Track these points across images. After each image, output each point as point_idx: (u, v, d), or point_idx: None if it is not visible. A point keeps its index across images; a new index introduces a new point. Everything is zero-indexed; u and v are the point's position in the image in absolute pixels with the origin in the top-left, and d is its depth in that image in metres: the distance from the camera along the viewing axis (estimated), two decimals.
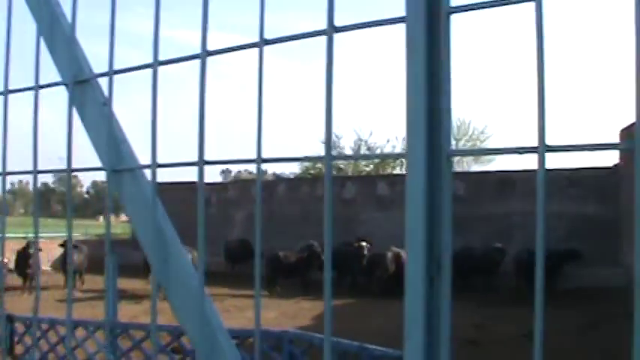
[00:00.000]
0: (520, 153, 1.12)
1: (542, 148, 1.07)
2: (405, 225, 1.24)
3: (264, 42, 1.33)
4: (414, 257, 1.21)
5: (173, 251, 1.67)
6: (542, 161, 1.07)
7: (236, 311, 18.25)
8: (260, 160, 1.36)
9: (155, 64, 1.55)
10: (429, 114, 1.17)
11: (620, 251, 23.02)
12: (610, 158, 34.31)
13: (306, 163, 43.10)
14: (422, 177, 1.19)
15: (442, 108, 1.17)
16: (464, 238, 24.62)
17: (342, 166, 41.72)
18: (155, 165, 1.62)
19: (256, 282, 1.43)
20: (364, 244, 22.07)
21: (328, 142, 1.31)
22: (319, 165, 42.90)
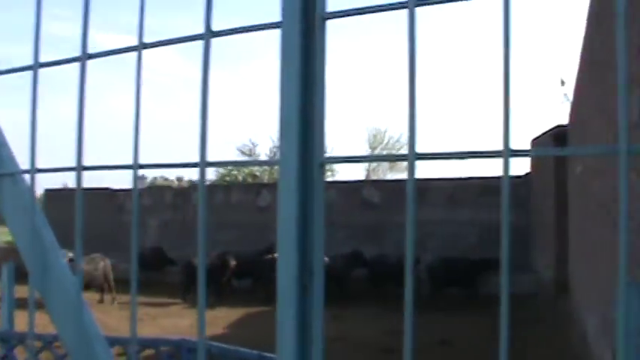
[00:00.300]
0: (484, 157, 1.12)
1: (507, 152, 1.07)
2: (277, 233, 1.23)
3: (142, 46, 1.31)
4: (286, 265, 1.21)
5: (52, 258, 1.62)
6: (507, 166, 1.07)
7: (149, 320, 18.02)
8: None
9: (35, 65, 1.51)
10: (302, 121, 1.16)
11: (531, 258, 23.59)
12: (521, 167, 35.11)
13: (222, 170, 42.97)
14: (294, 185, 1.18)
15: (315, 115, 1.16)
16: (379, 246, 24.88)
17: (257, 173, 41.75)
18: (34, 170, 1.57)
19: (201, 291, 1.39)
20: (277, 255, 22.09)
21: (203, 148, 1.29)
22: (235, 171, 42.85)
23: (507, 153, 1.07)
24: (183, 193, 30.39)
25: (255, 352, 2.74)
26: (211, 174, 47.01)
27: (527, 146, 24.50)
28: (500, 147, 1.05)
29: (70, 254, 20.50)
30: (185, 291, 21.93)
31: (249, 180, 40.49)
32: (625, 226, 0.91)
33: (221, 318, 18.58)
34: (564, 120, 20.15)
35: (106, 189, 32.01)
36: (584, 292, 11.34)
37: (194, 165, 1.30)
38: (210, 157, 1.29)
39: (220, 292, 21.56)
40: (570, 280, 17.32)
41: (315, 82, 1.16)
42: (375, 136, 45.44)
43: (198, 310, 1.32)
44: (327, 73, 1.17)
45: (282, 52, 1.18)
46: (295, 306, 1.18)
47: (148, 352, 4.59)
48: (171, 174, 79.39)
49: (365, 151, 43.79)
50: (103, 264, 21.75)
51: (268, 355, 2.81)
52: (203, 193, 1.30)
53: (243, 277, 23.38)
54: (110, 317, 18.10)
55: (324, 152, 1.18)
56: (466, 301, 20.21)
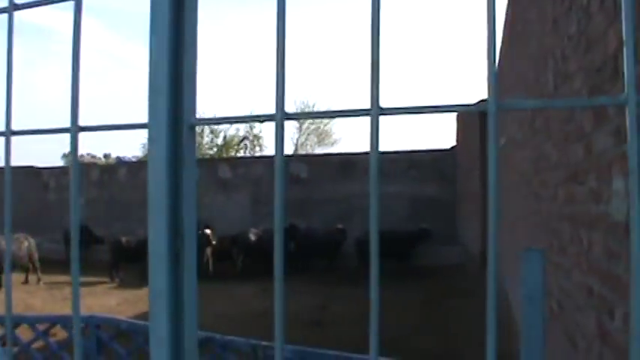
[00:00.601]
0: (352, 116, 1.08)
1: (375, 110, 1.03)
2: (148, 199, 1.18)
3: (13, 7, 1.23)
4: (157, 232, 1.15)
5: None
6: (375, 124, 1.03)
7: None
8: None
9: None
10: (172, 82, 1.11)
11: (457, 230, 23.94)
12: (447, 141, 35.50)
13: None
14: (163, 148, 1.12)
15: (185, 76, 1.11)
16: (306, 219, 24.91)
17: None
18: None
19: (74, 266, 1.32)
20: (208, 231, 21.83)
21: (74, 113, 1.23)
22: None
23: (375, 111, 1.04)
24: (110, 170, 29.85)
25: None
26: (138, 150, 46.39)
27: (453, 121, 24.81)
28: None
29: None
30: (113, 270, 21.61)
31: None
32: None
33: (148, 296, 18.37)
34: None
35: (31, 167, 31.29)
36: (508, 262, 11.54)
37: (66, 130, 1.23)
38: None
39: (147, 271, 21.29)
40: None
41: (185, 42, 1.10)
42: (302, 110, 45.33)
43: (73, 285, 1.26)
44: (198, 32, 1.11)
45: (152, 11, 1.12)
46: (167, 273, 1.13)
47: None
48: (99, 151, 78.04)
49: (294, 126, 43.72)
50: (27, 243, 21.19)
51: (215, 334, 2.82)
52: (76, 162, 1.23)
53: None
54: (35, 298, 17.76)
55: (195, 114, 1.13)
56: (400, 272, 20.37)
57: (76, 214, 1.27)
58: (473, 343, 11.36)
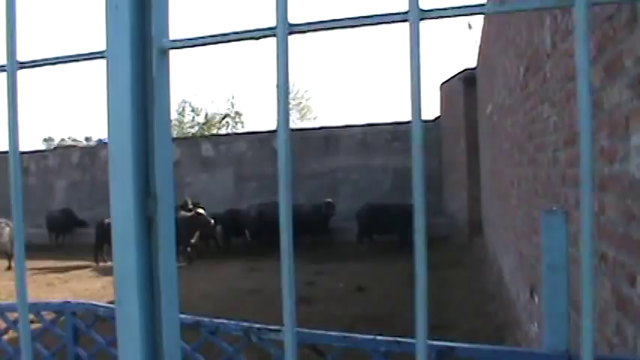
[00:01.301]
0: (385, 22, 0.83)
1: (415, 14, 0.78)
2: (109, 150, 0.93)
3: None
4: (121, 194, 0.90)
5: None
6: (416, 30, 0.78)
7: (60, 284, 17.46)
8: None
9: None
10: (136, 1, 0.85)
11: (444, 202, 23.80)
12: (432, 111, 35.35)
13: None
14: (127, 80, 0.85)
15: None
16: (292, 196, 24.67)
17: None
18: None
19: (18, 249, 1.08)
20: (202, 210, 21.54)
21: (12, 49, 0.97)
22: None
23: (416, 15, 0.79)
24: (91, 152, 29.45)
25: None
26: None
27: (437, 91, 24.61)
28: None
29: None
30: (97, 252, 21.34)
31: None
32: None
33: None
34: (472, 64, 20.18)
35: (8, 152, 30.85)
36: (498, 231, 11.37)
37: (1, 69, 0.98)
38: None
39: None
40: (484, 221, 17.48)
41: None
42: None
43: (16, 270, 1.02)
44: None
45: None
46: (136, 245, 0.88)
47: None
48: (80, 135, 77.24)
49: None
50: (8, 229, 20.82)
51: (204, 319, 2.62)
52: (14, 104, 0.98)
53: None
54: None
55: (168, 35, 0.88)
56: (391, 248, 20.22)
57: (16, 176, 1.01)
58: (466, 313, 11.27)
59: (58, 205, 28.45)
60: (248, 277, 16.97)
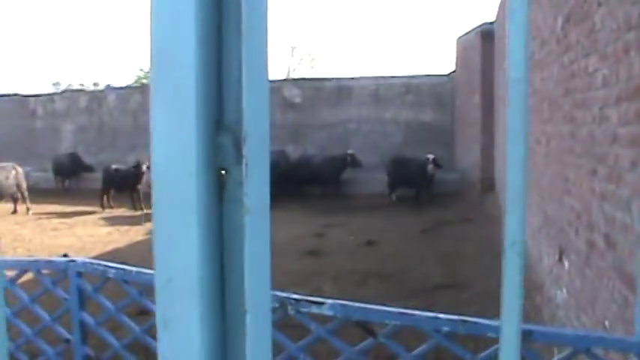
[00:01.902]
0: None
1: None
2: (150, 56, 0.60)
3: None
4: (175, 129, 0.57)
5: None
6: None
7: (65, 229, 17.28)
8: None
9: None
10: None
11: (456, 157, 23.52)
12: (446, 66, 34.86)
13: (139, 73, 41.70)
14: None
15: None
16: (301, 146, 24.47)
17: None
18: None
19: None
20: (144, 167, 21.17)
21: None
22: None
23: None
24: (99, 97, 29.07)
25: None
26: (128, 77, 45.40)
27: (454, 45, 24.17)
28: None
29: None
30: (103, 198, 21.18)
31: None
32: None
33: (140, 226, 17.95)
34: (490, 18, 19.70)
35: (16, 95, 30.60)
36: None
37: None
38: None
39: (135, 200, 20.87)
40: (497, 178, 17.19)
41: None
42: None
43: None
44: None
45: None
46: (198, 221, 0.56)
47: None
48: (89, 80, 76.57)
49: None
50: (14, 172, 20.60)
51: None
52: None
53: None
54: (24, 228, 17.32)
55: None
56: (403, 202, 19.97)
57: None
58: (480, 271, 11.03)
59: (65, 149, 28.23)
60: None
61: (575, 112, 5.28)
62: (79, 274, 3.05)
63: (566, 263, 5.58)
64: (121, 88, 29.29)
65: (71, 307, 3.21)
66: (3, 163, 20.58)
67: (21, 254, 13.54)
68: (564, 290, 5.62)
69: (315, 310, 1.93)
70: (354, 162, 22.11)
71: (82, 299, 3.16)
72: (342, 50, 79.00)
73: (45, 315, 3.47)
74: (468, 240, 13.96)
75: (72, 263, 3.06)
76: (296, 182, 21.84)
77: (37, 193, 23.38)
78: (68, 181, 26.60)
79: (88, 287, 3.04)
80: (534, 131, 8.39)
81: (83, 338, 3.28)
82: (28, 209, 20.24)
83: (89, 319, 3.21)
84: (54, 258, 4.51)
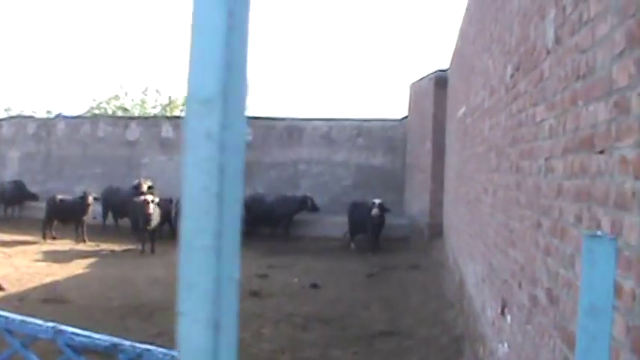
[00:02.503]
0: None
1: None
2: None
3: None
4: None
5: None
6: None
7: (3, 258, 16.70)
8: None
9: None
10: None
11: (405, 203, 23.49)
12: (399, 111, 35.02)
13: (90, 103, 41.23)
14: None
15: None
16: (250, 186, 24.25)
17: (127, 107, 40.16)
18: None
19: None
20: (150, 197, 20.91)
21: None
22: (103, 104, 41.07)
23: None
24: (48, 124, 28.51)
25: (50, 324, 1.83)
26: (80, 107, 44.89)
27: (407, 91, 24.28)
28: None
29: None
30: (46, 228, 20.64)
31: (119, 113, 38.58)
32: None
33: (80, 255, 17.48)
34: (444, 65, 19.82)
35: None
36: (463, 238, 10.97)
37: None
38: None
39: (79, 232, 20.43)
40: (445, 225, 17.14)
41: None
42: None
43: None
44: None
45: None
46: None
47: None
48: (41, 108, 75.44)
49: None
50: None
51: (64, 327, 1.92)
52: None
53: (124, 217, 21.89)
54: None
55: None
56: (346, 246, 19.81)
57: None
58: (424, 319, 10.87)
59: (10, 176, 27.61)
60: None
61: (521, 162, 5.16)
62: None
63: (508, 317, 5.42)
64: (72, 117, 28.76)
65: None
66: None
67: None
68: (506, 345, 5.46)
69: None
70: (312, 206, 22.08)
71: None
72: (295, 90, 78.97)
73: None
74: (413, 286, 13.82)
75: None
76: (246, 221, 21.57)
77: None
78: (11, 209, 25.96)
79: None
80: (482, 180, 8.30)
81: None
82: None
83: None
84: None
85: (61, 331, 2.00)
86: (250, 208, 21.43)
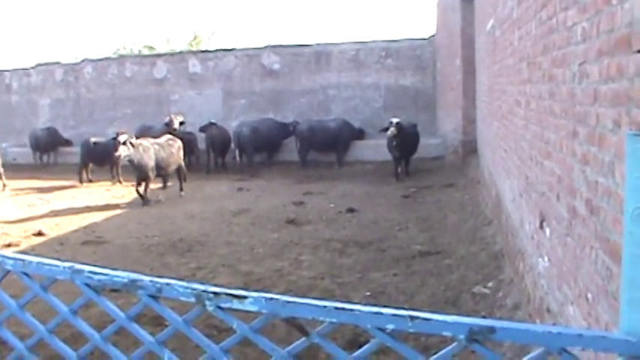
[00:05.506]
0: None
1: None
2: None
3: None
4: None
5: None
6: None
7: (42, 205, 16.87)
8: None
9: None
10: None
11: (436, 122, 23.25)
12: (426, 29, 34.45)
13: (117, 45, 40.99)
14: None
15: None
16: (280, 113, 24.17)
17: (153, 45, 39.89)
18: None
19: None
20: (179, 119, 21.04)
21: None
22: (130, 44, 40.85)
23: None
24: (75, 69, 28.43)
25: (67, 264, 1.77)
26: (106, 51, 44.71)
27: (434, 8, 23.79)
28: None
29: None
30: (82, 172, 20.77)
31: (145, 51, 38.28)
32: None
33: (118, 196, 17.61)
34: None
35: None
36: (497, 153, 10.79)
37: None
38: None
39: (114, 173, 20.56)
40: (479, 141, 16.92)
41: None
42: None
43: None
44: None
45: None
46: None
47: None
48: (68, 56, 75.48)
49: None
50: None
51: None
52: None
53: None
54: (0, 205, 16.89)
55: None
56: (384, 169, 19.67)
57: None
58: (462, 237, 10.80)
59: (42, 123, 27.76)
60: (235, 197, 16.48)
61: (553, 70, 4.97)
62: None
63: (547, 230, 5.30)
64: (98, 60, 28.62)
65: None
66: None
67: None
68: (546, 259, 5.36)
69: (237, 305, 1.62)
70: (361, 133, 22.71)
71: None
72: (321, 15, 77.92)
73: None
74: (449, 205, 13.74)
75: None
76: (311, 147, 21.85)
77: (15, 169, 23.03)
78: (46, 156, 26.19)
79: None
80: (513, 92, 8.09)
81: None
82: (4, 185, 19.76)
83: None
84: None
85: (78, 270, 1.94)
86: (314, 133, 21.60)
